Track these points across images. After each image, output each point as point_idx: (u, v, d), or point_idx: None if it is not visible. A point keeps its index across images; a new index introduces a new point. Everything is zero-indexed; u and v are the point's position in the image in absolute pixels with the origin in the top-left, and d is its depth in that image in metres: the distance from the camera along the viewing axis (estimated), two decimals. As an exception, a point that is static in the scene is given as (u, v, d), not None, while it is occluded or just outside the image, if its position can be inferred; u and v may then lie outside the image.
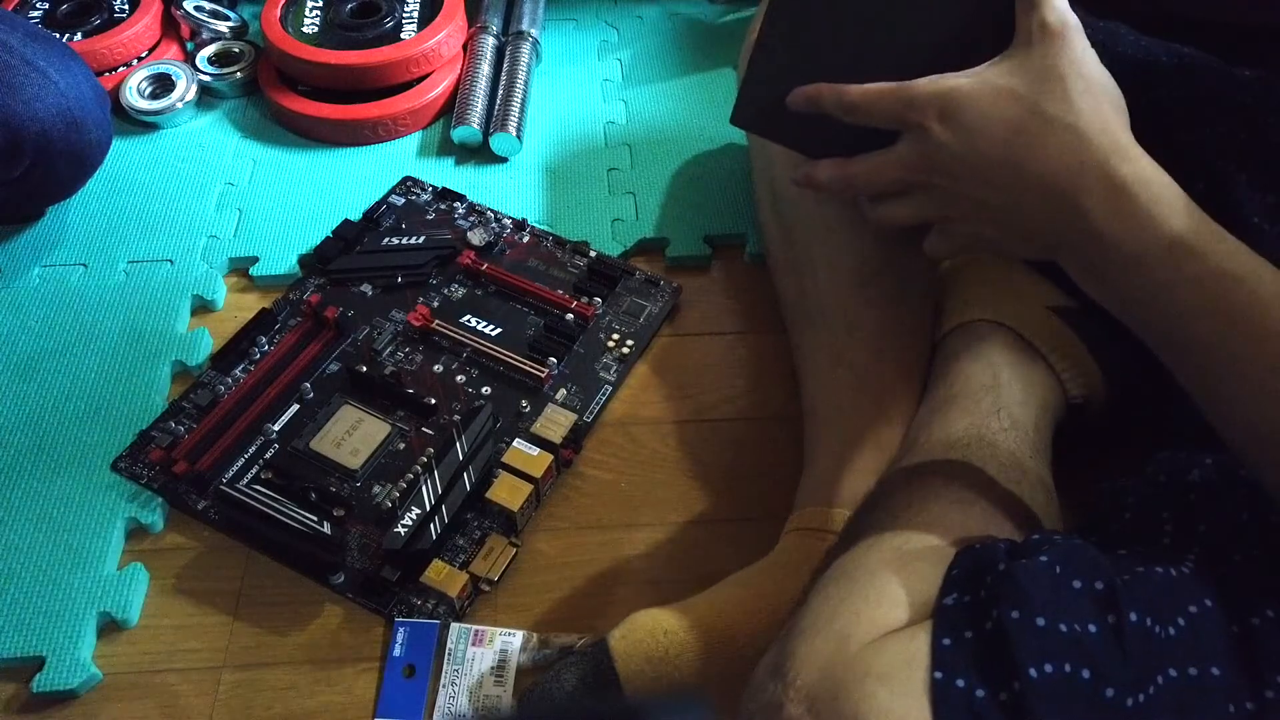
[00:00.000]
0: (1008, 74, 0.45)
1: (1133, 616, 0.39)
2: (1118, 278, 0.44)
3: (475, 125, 0.92)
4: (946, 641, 0.40)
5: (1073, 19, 0.46)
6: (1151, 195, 0.43)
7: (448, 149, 0.94)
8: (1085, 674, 0.38)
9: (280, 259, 0.84)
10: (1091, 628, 0.39)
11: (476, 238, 0.83)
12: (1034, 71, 0.45)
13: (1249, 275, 0.41)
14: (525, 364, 0.74)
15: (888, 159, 0.49)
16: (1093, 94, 0.44)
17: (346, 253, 0.82)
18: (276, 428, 0.71)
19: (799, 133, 0.54)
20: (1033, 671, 0.37)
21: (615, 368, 0.76)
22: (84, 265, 0.83)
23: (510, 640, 0.62)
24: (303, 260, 0.83)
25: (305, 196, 0.89)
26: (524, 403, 0.73)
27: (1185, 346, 0.43)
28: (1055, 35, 0.45)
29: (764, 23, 0.52)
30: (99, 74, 0.93)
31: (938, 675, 0.38)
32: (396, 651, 0.61)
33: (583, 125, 0.97)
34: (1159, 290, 0.43)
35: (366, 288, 0.80)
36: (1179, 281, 0.42)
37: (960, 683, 0.38)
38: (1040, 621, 0.39)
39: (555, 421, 0.70)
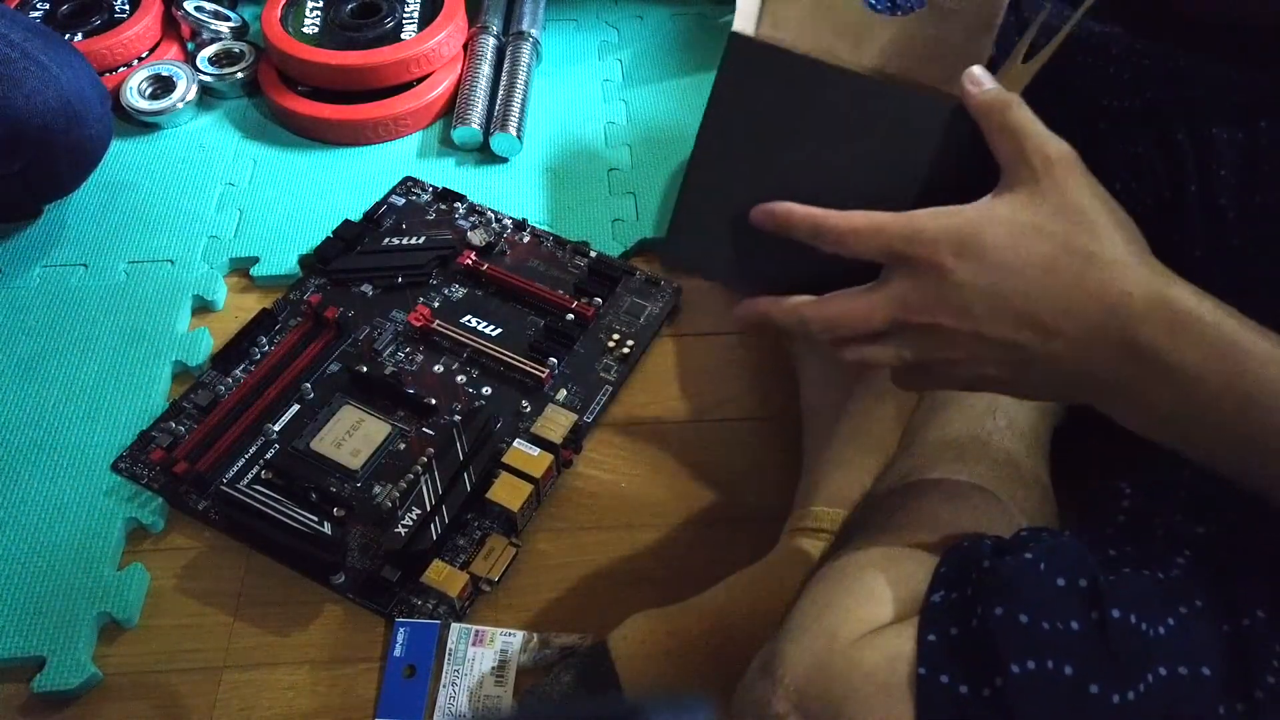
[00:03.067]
0: (1024, 208, 0.41)
1: (1115, 613, 0.40)
2: (1171, 400, 0.40)
3: (476, 125, 0.92)
4: (932, 638, 0.40)
5: (1070, 148, 0.42)
6: (1205, 311, 0.39)
7: (448, 149, 0.94)
8: (1068, 670, 0.38)
9: (281, 259, 0.84)
10: (1074, 624, 0.39)
11: (477, 238, 0.83)
12: (1053, 205, 0.41)
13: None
14: (525, 364, 0.74)
15: (880, 299, 0.43)
16: (1119, 222, 0.41)
17: (347, 253, 0.82)
18: (277, 428, 0.71)
19: (740, 267, 0.48)
20: (1015, 668, 0.38)
21: (615, 368, 0.76)
22: (84, 265, 0.83)
23: (510, 640, 0.62)
24: (303, 260, 0.83)
25: (306, 196, 0.89)
26: (524, 403, 0.73)
27: (1242, 445, 0.40)
28: (1062, 165, 0.41)
29: (697, 144, 0.46)
30: (100, 74, 0.92)
31: (922, 671, 0.39)
32: (397, 651, 0.61)
33: (583, 125, 0.97)
34: (1213, 401, 0.39)
35: (367, 288, 0.80)
36: (1233, 385, 0.39)
37: (944, 679, 0.39)
38: (1023, 618, 0.39)
39: (555, 422, 0.70)
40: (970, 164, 0.44)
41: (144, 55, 0.98)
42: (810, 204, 0.44)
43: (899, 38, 0.48)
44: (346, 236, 0.83)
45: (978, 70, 0.44)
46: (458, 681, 0.60)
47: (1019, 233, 0.41)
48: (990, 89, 0.43)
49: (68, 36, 0.95)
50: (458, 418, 0.72)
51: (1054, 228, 0.41)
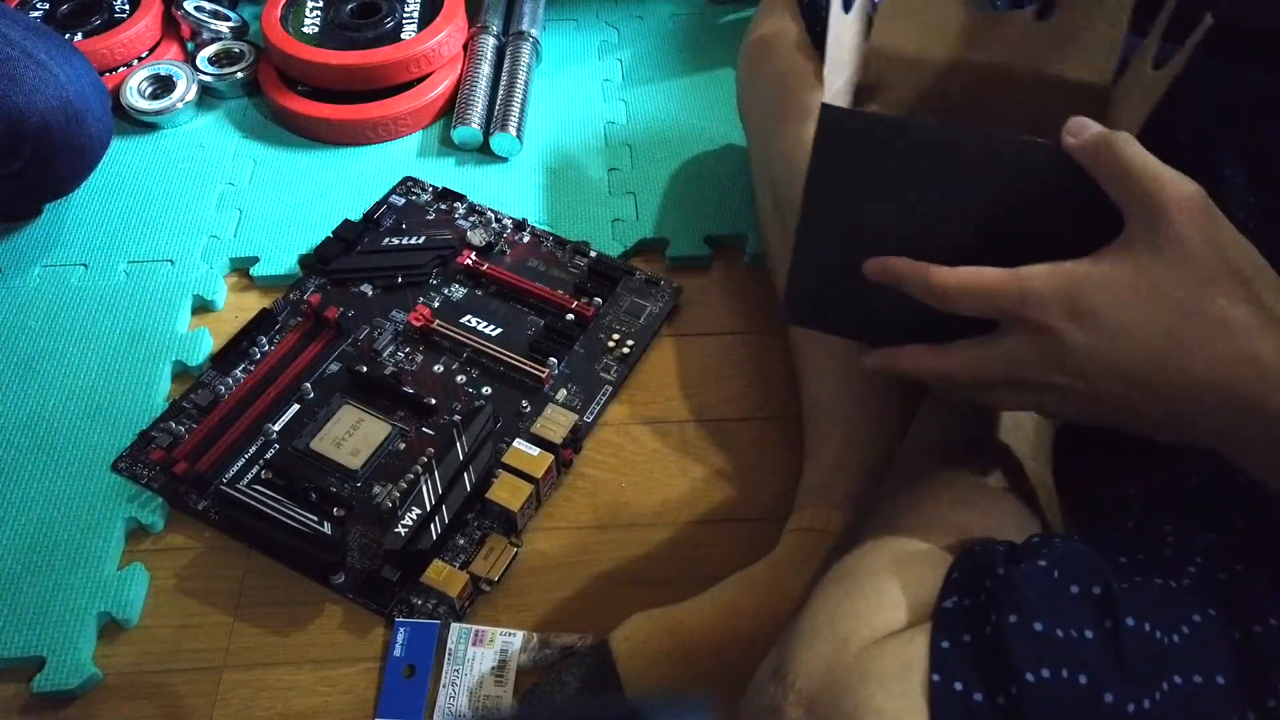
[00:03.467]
0: (1140, 266, 0.39)
1: (1129, 621, 0.39)
2: None
3: (475, 125, 0.92)
4: (945, 644, 0.40)
5: (1194, 187, 0.39)
6: None
7: (448, 149, 0.94)
8: (1082, 679, 0.38)
9: (280, 259, 0.84)
10: (1088, 633, 0.39)
11: (477, 238, 0.83)
12: (1172, 261, 0.38)
13: None
14: (525, 364, 0.74)
15: (995, 355, 0.43)
16: (1247, 277, 0.39)
17: (347, 253, 0.82)
18: (277, 428, 0.71)
19: (861, 319, 0.49)
20: (1030, 676, 0.38)
21: (615, 368, 0.76)
22: (84, 265, 0.83)
23: (511, 640, 0.62)
24: (303, 260, 0.83)
25: (305, 196, 0.89)
26: (524, 403, 0.73)
27: None
28: (1181, 210, 0.38)
29: (802, 211, 0.47)
30: (100, 74, 0.92)
31: (936, 678, 0.39)
32: (397, 651, 0.61)
33: (583, 125, 0.97)
34: None
35: (367, 288, 0.80)
36: None
37: (958, 686, 0.38)
38: (1038, 626, 0.39)
39: (555, 422, 0.70)
40: (1082, 211, 0.43)
41: (144, 55, 0.98)
42: (918, 257, 0.45)
43: (1020, 32, 0.48)
44: (346, 236, 0.83)
45: (1077, 120, 0.42)
46: (458, 681, 0.60)
47: (1136, 295, 0.39)
48: (1094, 131, 0.41)
49: (68, 36, 0.95)
50: (458, 418, 0.72)
51: (1175, 291, 0.39)
